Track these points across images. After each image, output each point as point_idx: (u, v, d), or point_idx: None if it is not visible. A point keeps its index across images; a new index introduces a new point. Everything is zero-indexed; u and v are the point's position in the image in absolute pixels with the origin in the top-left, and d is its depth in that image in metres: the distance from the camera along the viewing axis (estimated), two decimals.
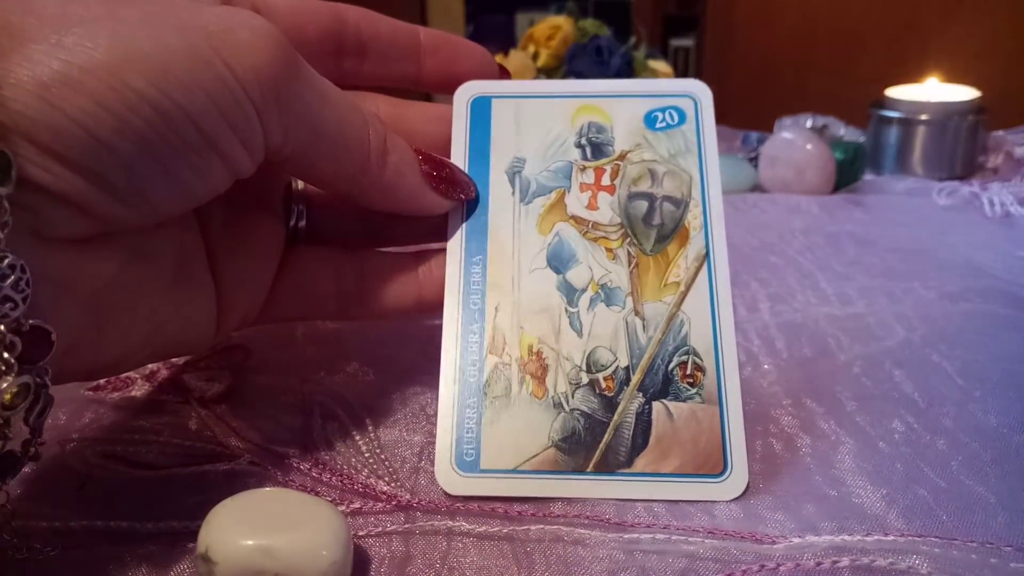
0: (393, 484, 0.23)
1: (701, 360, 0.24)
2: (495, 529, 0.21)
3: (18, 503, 0.22)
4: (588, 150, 0.27)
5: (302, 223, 0.28)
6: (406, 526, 0.22)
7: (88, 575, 0.20)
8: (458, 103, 0.27)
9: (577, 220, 0.26)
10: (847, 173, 0.55)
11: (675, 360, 0.24)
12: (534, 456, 0.23)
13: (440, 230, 0.26)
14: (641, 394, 0.24)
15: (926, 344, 0.31)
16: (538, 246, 0.25)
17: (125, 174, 0.18)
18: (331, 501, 0.22)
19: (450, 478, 0.23)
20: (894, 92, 0.60)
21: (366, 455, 0.25)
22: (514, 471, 0.23)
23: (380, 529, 0.22)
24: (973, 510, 0.22)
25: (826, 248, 0.43)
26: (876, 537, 0.21)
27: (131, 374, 0.28)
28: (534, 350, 0.24)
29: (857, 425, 0.26)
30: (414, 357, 0.30)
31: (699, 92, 0.27)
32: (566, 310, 0.25)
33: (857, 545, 0.20)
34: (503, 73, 0.29)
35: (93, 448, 0.24)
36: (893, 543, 0.20)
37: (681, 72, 1.57)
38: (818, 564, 0.20)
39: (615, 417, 0.23)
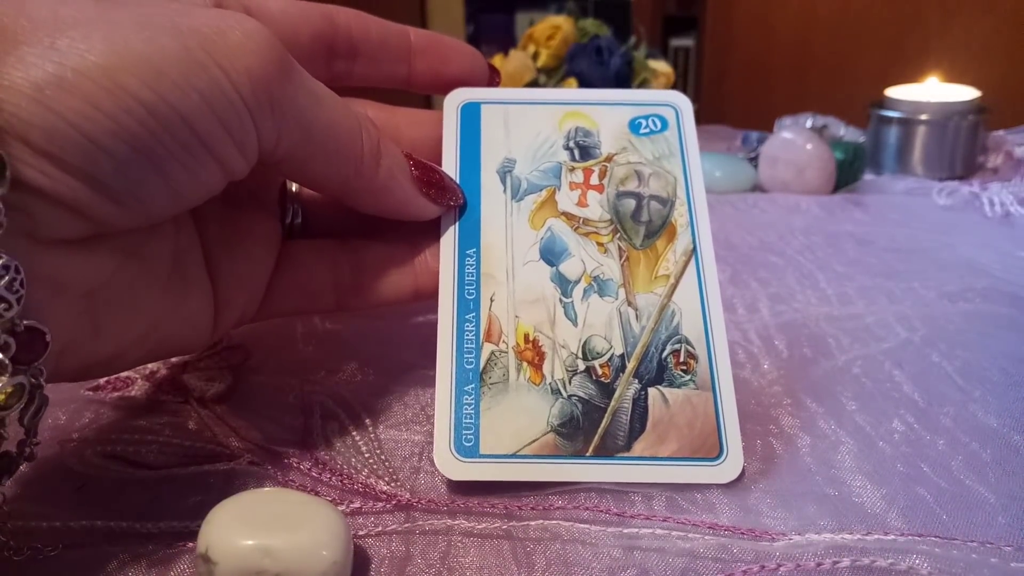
0: (393, 484, 0.23)
1: (693, 348, 0.24)
2: (495, 527, 0.21)
3: (18, 503, 0.22)
4: (576, 152, 0.28)
5: (298, 220, 0.28)
6: (406, 526, 0.22)
7: (88, 575, 0.20)
8: (448, 108, 0.28)
9: (568, 216, 0.26)
10: (847, 173, 0.55)
11: (668, 348, 0.24)
12: (534, 441, 0.23)
13: (433, 226, 0.26)
14: (637, 381, 0.24)
15: (926, 344, 0.31)
16: (531, 240, 0.26)
17: (119, 176, 0.18)
18: (331, 501, 0.22)
19: (449, 463, 0.23)
20: (894, 92, 0.60)
21: (366, 455, 0.25)
22: (514, 456, 0.23)
23: (380, 529, 0.22)
24: (973, 510, 0.22)
25: (826, 248, 0.43)
26: (876, 536, 0.21)
27: (131, 374, 0.28)
28: (530, 338, 0.24)
29: (857, 425, 0.26)
30: (414, 357, 0.30)
31: (679, 102, 0.29)
32: (560, 300, 0.25)
33: (857, 544, 0.20)
34: (494, 73, 0.29)
35: (93, 448, 0.24)
36: (893, 543, 0.20)
37: (681, 72, 1.57)
38: (818, 564, 0.20)
39: (612, 403, 0.24)
